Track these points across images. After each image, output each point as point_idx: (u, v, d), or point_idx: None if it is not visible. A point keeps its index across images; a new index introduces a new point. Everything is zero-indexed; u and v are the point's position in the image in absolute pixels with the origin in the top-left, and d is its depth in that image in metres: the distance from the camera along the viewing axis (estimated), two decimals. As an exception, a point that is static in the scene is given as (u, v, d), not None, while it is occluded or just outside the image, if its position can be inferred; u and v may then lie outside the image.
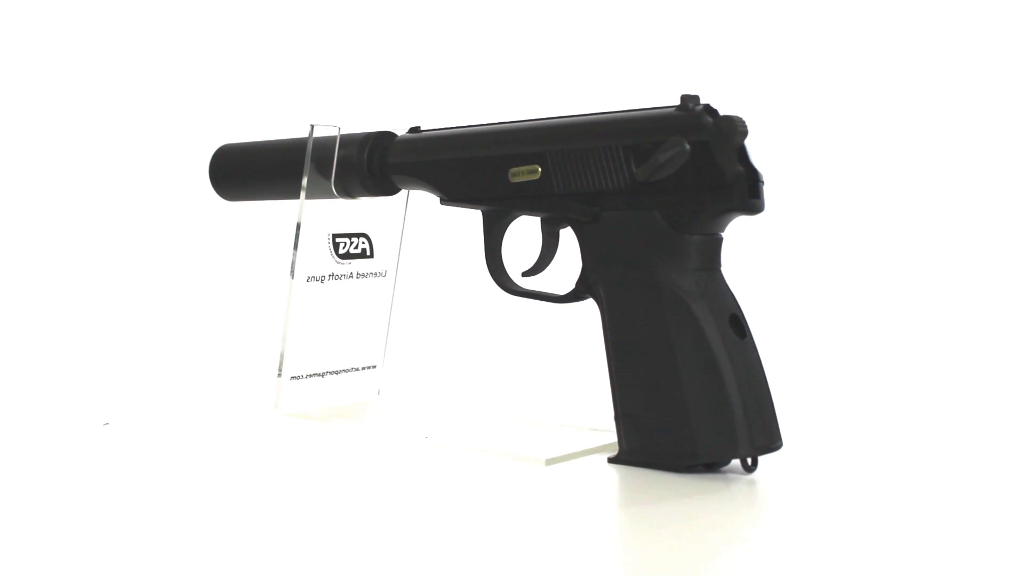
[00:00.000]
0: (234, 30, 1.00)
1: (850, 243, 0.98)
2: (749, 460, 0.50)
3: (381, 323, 0.66)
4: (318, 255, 0.62)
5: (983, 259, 0.93)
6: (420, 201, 0.65)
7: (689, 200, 0.50)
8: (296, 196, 0.61)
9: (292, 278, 0.60)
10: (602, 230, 0.52)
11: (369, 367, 0.66)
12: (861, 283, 0.95)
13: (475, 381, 0.75)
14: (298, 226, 0.60)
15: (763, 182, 0.50)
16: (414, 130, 0.60)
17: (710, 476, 0.50)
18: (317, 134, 0.60)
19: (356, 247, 0.64)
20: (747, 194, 0.49)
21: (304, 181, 0.60)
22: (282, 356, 0.61)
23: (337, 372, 0.64)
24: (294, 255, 0.60)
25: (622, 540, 0.42)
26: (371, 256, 0.65)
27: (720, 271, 0.51)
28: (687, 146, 0.49)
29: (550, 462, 0.52)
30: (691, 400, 0.49)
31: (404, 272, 0.67)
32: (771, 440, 0.50)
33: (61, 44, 0.95)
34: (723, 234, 0.52)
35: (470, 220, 0.60)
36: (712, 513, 0.45)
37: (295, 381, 0.61)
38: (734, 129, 0.49)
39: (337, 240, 0.63)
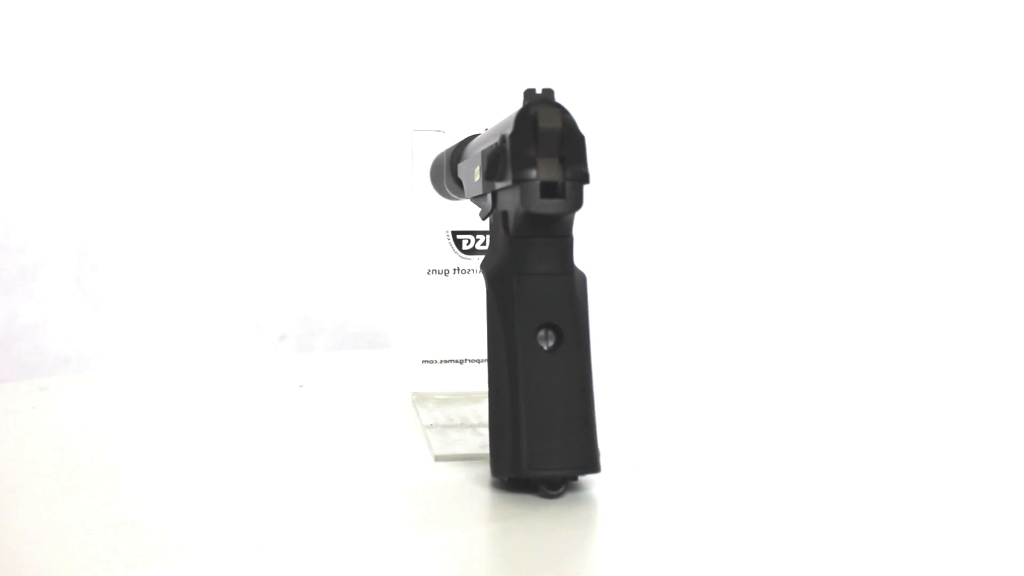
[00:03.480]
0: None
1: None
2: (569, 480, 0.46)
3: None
4: (438, 250, 0.67)
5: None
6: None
7: (507, 200, 0.47)
8: (451, 197, 0.68)
9: (411, 270, 0.67)
10: (489, 231, 0.51)
11: (520, 360, 0.68)
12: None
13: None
14: (409, 222, 0.67)
15: (576, 181, 0.45)
16: None
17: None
18: (420, 139, 0.66)
19: (483, 244, 0.67)
20: (538, 194, 0.44)
21: (411, 183, 0.66)
22: (409, 341, 0.68)
23: (480, 361, 0.68)
24: (410, 249, 0.67)
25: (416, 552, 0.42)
26: (503, 253, 0.67)
27: (568, 276, 0.46)
28: (505, 143, 0.46)
29: (439, 458, 0.52)
30: (493, 413, 0.46)
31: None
32: (565, 464, 0.44)
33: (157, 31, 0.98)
34: (567, 236, 0.47)
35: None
36: (541, 536, 0.42)
37: (427, 364, 0.68)
38: (533, 124, 0.45)
39: (458, 237, 0.67)
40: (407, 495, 0.47)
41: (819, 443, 0.59)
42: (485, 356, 0.65)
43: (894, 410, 0.69)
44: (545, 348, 0.45)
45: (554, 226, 0.46)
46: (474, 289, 0.68)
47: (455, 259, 0.67)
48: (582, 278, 0.47)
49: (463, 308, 0.68)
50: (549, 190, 0.44)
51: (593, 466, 0.45)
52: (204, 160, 0.97)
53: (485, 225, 0.65)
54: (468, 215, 0.67)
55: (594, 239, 0.69)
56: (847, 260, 0.99)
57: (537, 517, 0.43)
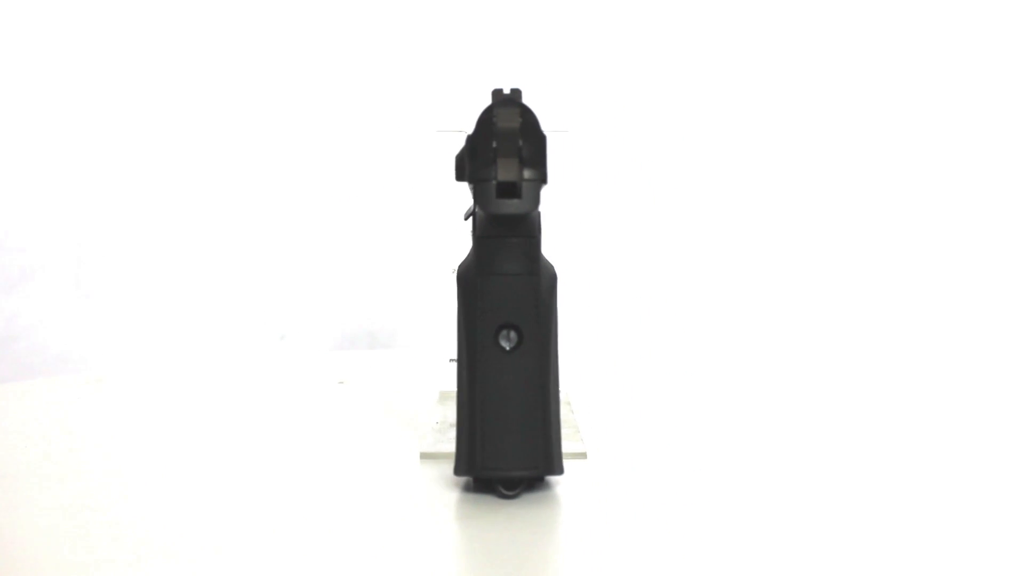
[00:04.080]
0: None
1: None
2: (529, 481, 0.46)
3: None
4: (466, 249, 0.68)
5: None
6: (587, 204, 0.66)
7: (472, 199, 0.47)
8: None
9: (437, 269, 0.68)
10: None
11: (547, 361, 0.68)
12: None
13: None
14: (434, 222, 0.68)
15: (534, 181, 0.44)
16: None
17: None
18: (443, 139, 0.66)
19: (507, 244, 0.67)
20: (494, 194, 0.45)
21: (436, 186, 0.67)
22: (437, 339, 0.69)
23: (507, 361, 0.68)
24: (436, 248, 0.68)
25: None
26: (528, 253, 0.67)
27: (534, 277, 0.46)
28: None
29: (424, 456, 0.53)
30: (457, 413, 0.47)
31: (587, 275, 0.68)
32: (518, 465, 0.44)
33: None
34: (534, 236, 0.46)
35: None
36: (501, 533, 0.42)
37: (454, 363, 0.68)
38: (488, 123, 0.45)
39: (482, 237, 0.67)
40: (371, 492, 0.48)
41: (797, 444, 0.57)
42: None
43: (875, 408, 0.68)
44: (506, 348, 0.45)
45: (519, 226, 0.46)
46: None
47: (480, 259, 0.68)
48: (552, 277, 0.47)
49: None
50: (506, 190, 0.44)
51: (550, 467, 0.45)
52: (207, 162, 0.98)
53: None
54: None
55: (591, 238, 0.69)
56: (848, 261, 0.99)
57: (488, 518, 0.43)
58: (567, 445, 0.53)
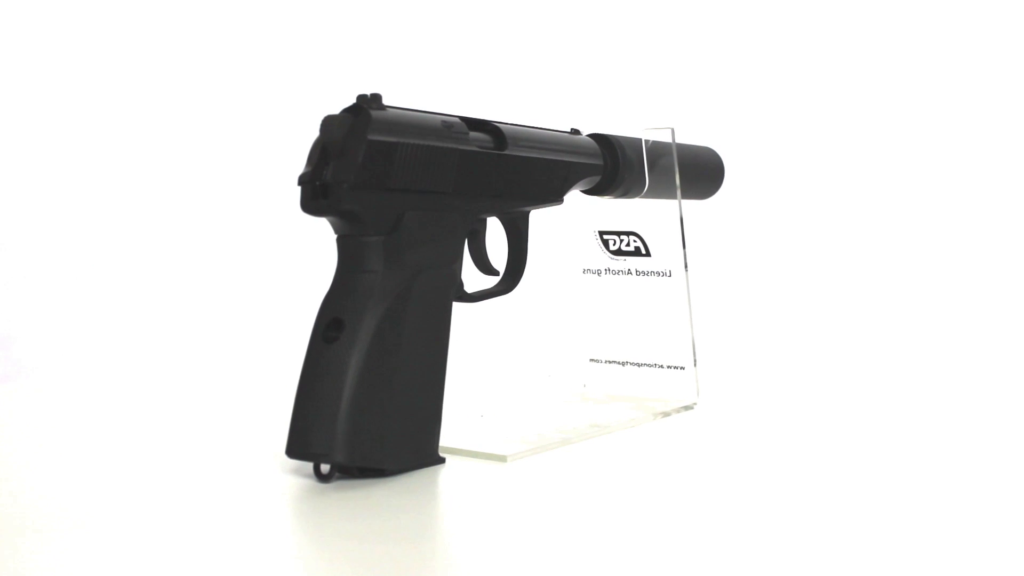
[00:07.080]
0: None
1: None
2: (323, 468, 0.47)
3: (681, 325, 0.65)
4: (590, 250, 0.67)
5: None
6: (699, 206, 0.63)
7: None
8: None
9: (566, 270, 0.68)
10: None
11: (677, 367, 0.66)
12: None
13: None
14: (559, 223, 0.68)
15: (340, 184, 0.46)
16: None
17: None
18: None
19: (628, 244, 0.65)
20: (308, 195, 0.47)
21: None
22: (576, 339, 0.69)
23: (639, 365, 0.67)
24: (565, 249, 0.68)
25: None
26: (647, 255, 0.65)
27: (373, 274, 0.48)
28: None
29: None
30: None
31: (705, 278, 0.64)
32: (315, 450, 0.46)
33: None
34: (383, 235, 0.48)
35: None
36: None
37: (594, 363, 0.69)
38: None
39: (605, 237, 0.66)
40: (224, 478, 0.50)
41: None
42: (656, 363, 0.66)
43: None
44: (331, 341, 0.47)
45: (361, 225, 0.48)
46: (634, 293, 0.66)
47: (605, 259, 0.67)
48: (411, 273, 0.48)
49: (623, 311, 0.67)
50: (316, 192, 0.47)
51: (351, 456, 0.46)
52: (205, 161, 0.99)
53: (630, 225, 0.65)
54: (615, 215, 0.66)
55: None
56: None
57: (303, 503, 0.45)
58: (486, 444, 0.53)
